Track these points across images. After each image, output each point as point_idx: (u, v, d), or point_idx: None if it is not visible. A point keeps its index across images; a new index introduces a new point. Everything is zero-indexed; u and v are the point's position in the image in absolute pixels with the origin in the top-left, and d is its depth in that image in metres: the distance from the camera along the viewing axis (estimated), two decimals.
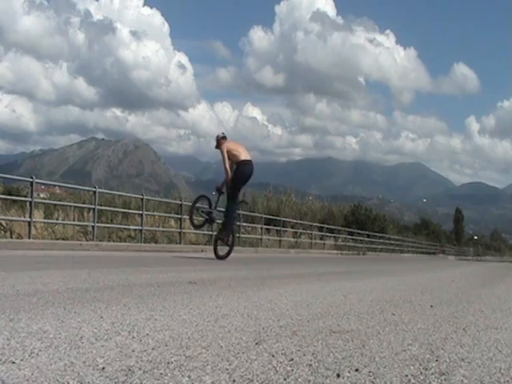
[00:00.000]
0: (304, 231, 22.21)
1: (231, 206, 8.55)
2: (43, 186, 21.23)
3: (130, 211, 13.70)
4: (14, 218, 10.62)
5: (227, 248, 8.60)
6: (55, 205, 12.81)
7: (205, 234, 15.59)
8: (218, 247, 8.73)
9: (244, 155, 8.31)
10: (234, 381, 1.45)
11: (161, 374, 1.46)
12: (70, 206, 12.96)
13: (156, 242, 13.57)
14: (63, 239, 11.06)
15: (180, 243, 13.86)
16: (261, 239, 18.07)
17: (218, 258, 8.53)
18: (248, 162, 8.36)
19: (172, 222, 14.99)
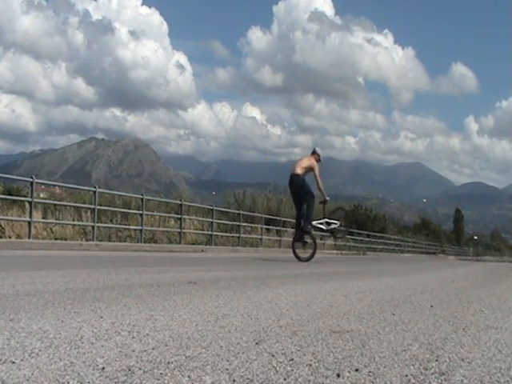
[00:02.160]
0: None
1: (305, 209, 9.38)
2: (43, 186, 21.25)
3: (130, 211, 13.69)
4: (14, 218, 10.62)
5: (310, 251, 9.51)
6: (55, 205, 12.81)
7: (205, 234, 15.59)
8: (297, 250, 9.59)
9: (294, 169, 9.37)
10: (234, 381, 1.45)
11: (161, 374, 1.46)
12: (70, 206, 12.97)
13: (156, 242, 13.56)
14: (63, 239, 11.06)
15: (180, 243, 13.86)
16: (261, 239, 18.07)
17: (299, 259, 9.31)
18: (292, 175, 9.34)
19: (172, 222, 14.99)
